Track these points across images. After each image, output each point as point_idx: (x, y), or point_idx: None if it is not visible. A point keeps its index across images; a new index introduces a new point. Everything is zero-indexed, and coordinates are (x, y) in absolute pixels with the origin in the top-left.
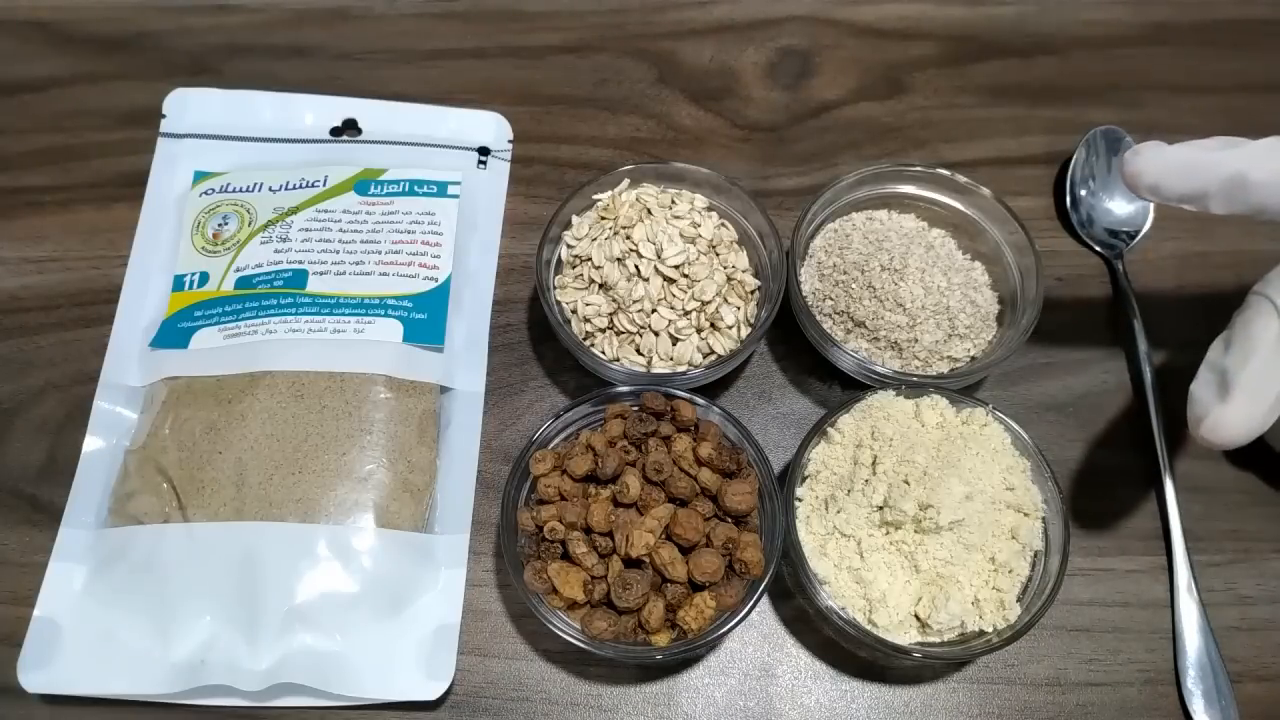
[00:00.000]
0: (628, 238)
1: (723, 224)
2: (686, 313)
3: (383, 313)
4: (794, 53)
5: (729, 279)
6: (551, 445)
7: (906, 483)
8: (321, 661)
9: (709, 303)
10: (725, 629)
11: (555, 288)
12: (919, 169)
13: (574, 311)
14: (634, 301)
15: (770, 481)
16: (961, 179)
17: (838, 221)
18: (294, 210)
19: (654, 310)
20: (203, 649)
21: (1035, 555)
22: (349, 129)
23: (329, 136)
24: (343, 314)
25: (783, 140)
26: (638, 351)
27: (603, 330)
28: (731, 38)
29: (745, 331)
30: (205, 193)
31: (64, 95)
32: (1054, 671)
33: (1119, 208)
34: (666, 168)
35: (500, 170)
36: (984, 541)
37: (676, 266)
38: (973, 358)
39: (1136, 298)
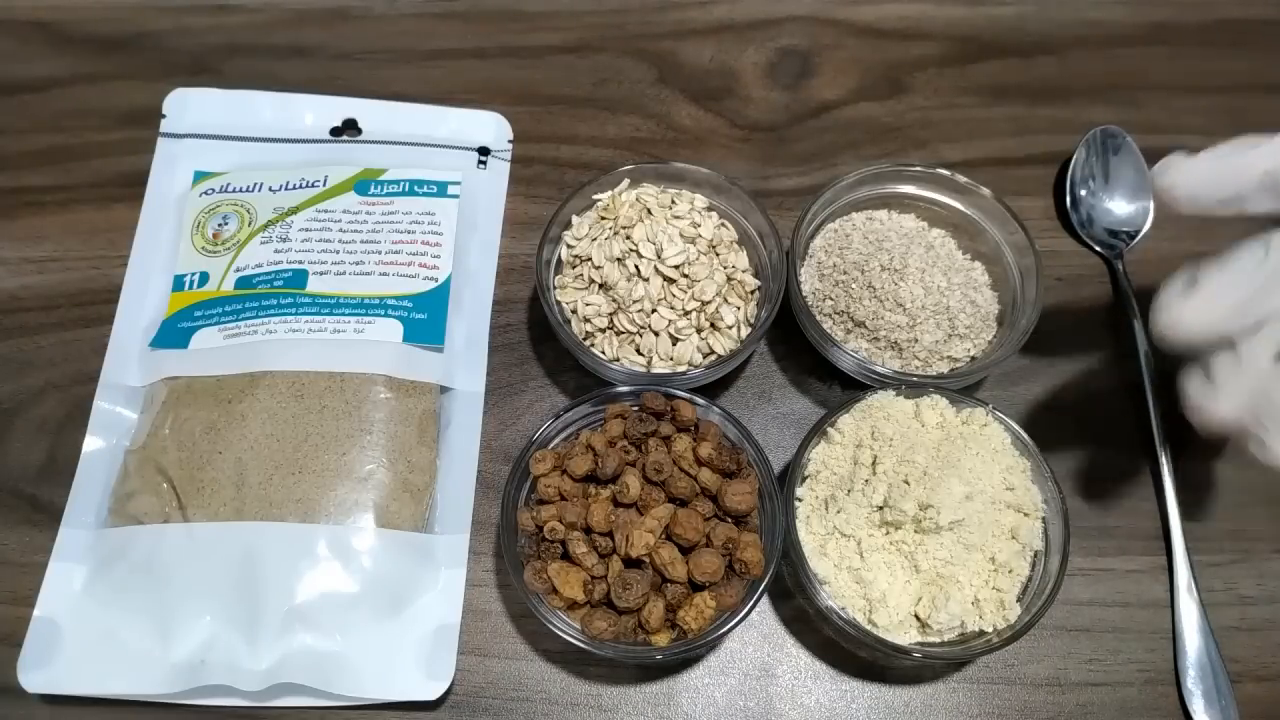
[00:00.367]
0: (628, 238)
1: (723, 224)
2: (686, 313)
3: (383, 313)
4: (794, 53)
5: (729, 279)
6: (551, 445)
7: (906, 483)
8: (321, 661)
9: (709, 303)
10: (725, 629)
11: (555, 288)
12: (919, 169)
13: (574, 311)
14: (634, 301)
15: (770, 481)
16: (961, 179)
17: (838, 221)
18: (294, 210)
19: (654, 310)
20: (203, 649)
21: (1035, 555)
22: (349, 129)
23: (329, 136)
24: (343, 314)
25: (783, 140)
26: (638, 351)
27: (603, 330)
28: (731, 38)
29: (745, 331)
30: (205, 193)
31: (64, 95)
32: (1054, 671)
33: (1119, 208)
34: (666, 168)
35: (500, 170)
36: (984, 541)
37: (676, 266)
38: (973, 358)
39: (1136, 298)
